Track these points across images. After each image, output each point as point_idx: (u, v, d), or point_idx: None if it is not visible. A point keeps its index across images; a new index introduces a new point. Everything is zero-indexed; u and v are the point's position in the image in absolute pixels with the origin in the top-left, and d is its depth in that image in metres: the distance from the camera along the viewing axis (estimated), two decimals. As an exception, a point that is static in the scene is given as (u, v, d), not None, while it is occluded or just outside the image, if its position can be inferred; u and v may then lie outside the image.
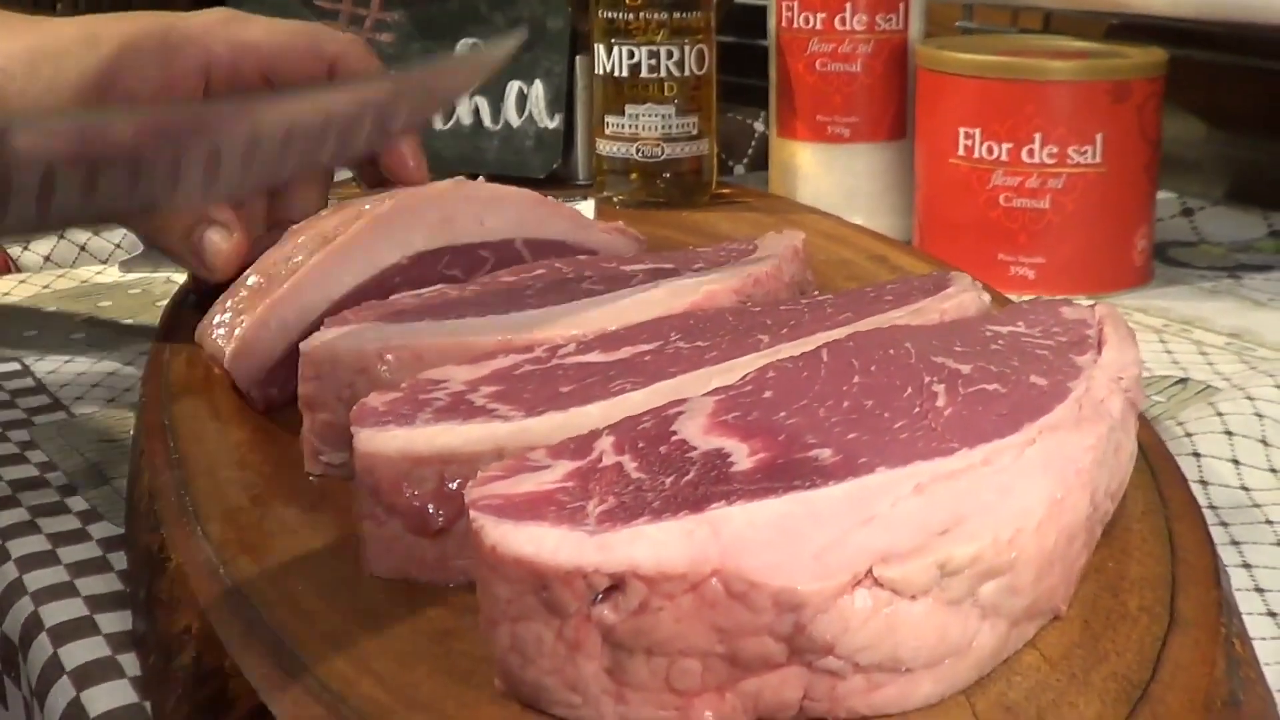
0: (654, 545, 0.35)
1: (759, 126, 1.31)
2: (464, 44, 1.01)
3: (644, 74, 0.93)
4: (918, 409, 0.42)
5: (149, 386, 0.63)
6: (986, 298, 0.53)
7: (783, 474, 0.38)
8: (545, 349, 0.49)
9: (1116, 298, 0.88)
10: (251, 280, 0.57)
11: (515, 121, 1.01)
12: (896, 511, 0.37)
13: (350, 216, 0.58)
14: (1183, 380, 0.73)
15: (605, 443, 0.39)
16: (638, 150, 0.94)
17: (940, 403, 0.42)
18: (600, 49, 0.94)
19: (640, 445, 0.39)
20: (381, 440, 0.44)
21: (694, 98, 0.94)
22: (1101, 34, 1.14)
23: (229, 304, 0.57)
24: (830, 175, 0.98)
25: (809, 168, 0.99)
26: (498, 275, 0.58)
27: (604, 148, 0.95)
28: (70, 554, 0.55)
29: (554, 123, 1.00)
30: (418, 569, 0.44)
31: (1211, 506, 0.58)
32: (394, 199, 0.59)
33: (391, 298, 0.56)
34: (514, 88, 1.01)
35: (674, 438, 0.39)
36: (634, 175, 0.95)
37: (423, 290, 0.56)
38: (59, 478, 0.62)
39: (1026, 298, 0.82)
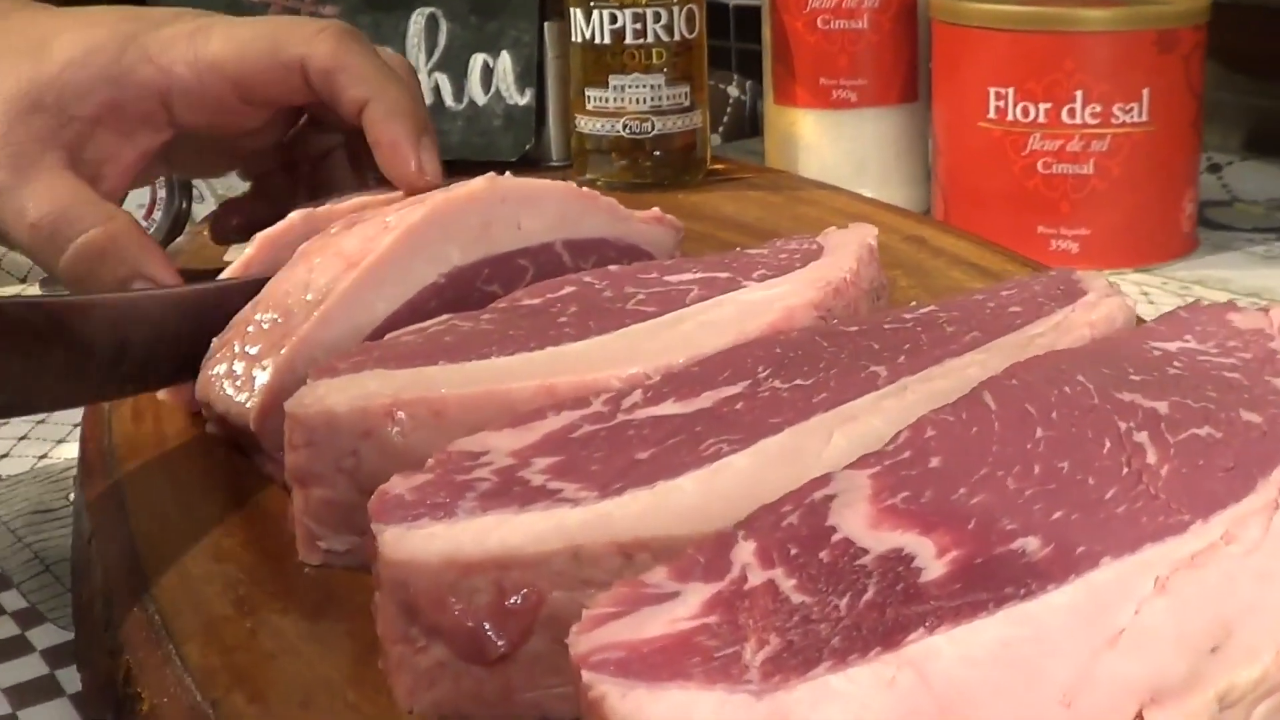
0: (847, 705, 0.25)
1: (733, 91, 1.21)
2: (418, 15, 0.90)
3: (629, 40, 0.82)
4: (1126, 469, 0.32)
5: (89, 447, 0.52)
6: (1131, 303, 0.43)
7: (987, 580, 0.28)
8: (605, 400, 0.38)
9: (1168, 268, 0.80)
10: (263, 315, 0.46)
11: (481, 99, 0.90)
12: (1145, 622, 0.28)
13: (374, 231, 0.47)
14: (1276, 366, 0.64)
15: (745, 552, 0.29)
16: (624, 126, 0.84)
17: (1151, 459, 0.32)
18: (578, 13, 0.83)
19: (793, 552, 0.29)
20: (416, 542, 0.33)
21: (684, 64, 0.84)
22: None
23: (238, 347, 0.46)
24: (837, 144, 0.89)
25: (812, 137, 0.89)
26: (516, 298, 0.47)
27: (585, 124, 0.85)
28: (9, 673, 0.44)
29: (524, 99, 0.89)
30: (473, 706, 0.34)
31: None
32: (424, 205, 0.48)
33: (388, 336, 0.45)
34: (478, 61, 0.89)
35: (834, 537, 0.29)
36: (619, 154, 0.85)
37: (427, 323, 0.46)
38: (-14, 565, 0.51)
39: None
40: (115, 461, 0.50)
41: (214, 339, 0.48)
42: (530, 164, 0.91)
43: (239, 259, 0.55)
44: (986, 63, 0.78)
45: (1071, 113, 0.76)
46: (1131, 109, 0.76)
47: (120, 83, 0.56)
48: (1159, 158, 0.78)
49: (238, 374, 0.45)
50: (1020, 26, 0.77)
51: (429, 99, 0.90)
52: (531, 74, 0.90)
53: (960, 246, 0.71)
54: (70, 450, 0.61)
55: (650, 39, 0.82)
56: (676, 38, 0.83)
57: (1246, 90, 1.01)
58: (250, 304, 0.48)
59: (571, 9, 0.83)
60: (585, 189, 0.54)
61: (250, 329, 0.46)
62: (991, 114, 0.78)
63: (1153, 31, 0.76)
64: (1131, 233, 0.79)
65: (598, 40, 0.82)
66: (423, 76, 0.89)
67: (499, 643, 0.33)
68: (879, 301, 0.51)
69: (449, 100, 0.90)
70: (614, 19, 0.82)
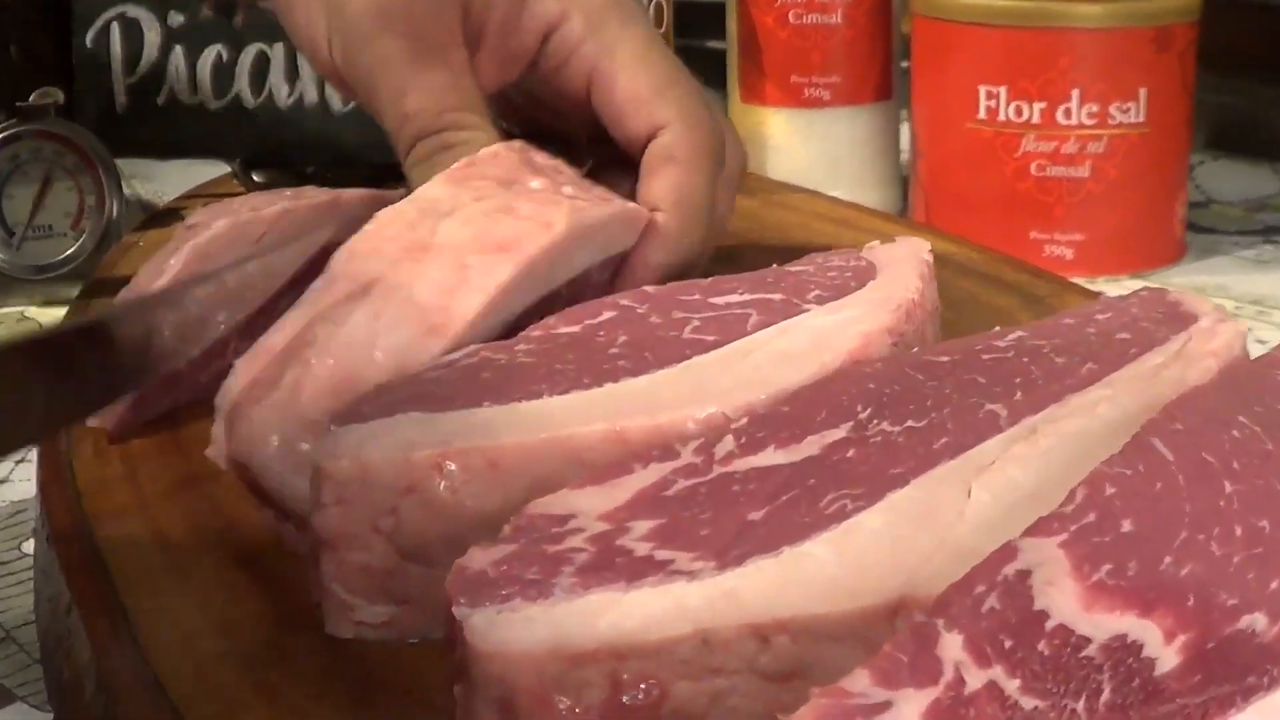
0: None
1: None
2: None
3: (596, 36, 0.77)
4: (1330, 528, 0.28)
5: (51, 494, 0.46)
6: (1243, 327, 0.39)
7: (1225, 668, 0.24)
8: (695, 449, 0.34)
9: (1162, 275, 0.77)
10: (319, 366, 0.39)
11: (430, 99, 0.84)
12: None
13: (449, 278, 0.41)
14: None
15: (953, 647, 0.24)
16: (591, 128, 0.78)
17: (1353, 514, 0.29)
18: (541, 8, 0.78)
19: (1007, 645, 0.24)
20: (512, 629, 0.28)
21: (652, 62, 0.79)
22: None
23: (288, 402, 0.39)
24: (808, 145, 0.84)
25: (782, 137, 0.85)
26: (550, 326, 0.42)
27: (548, 126, 0.79)
28: (-23, 769, 0.38)
29: (476, 98, 0.84)
30: (580, 817, 0.29)
31: None
32: (510, 260, 0.42)
33: (418, 372, 0.40)
34: (427, 58, 0.84)
35: (1048, 623, 0.25)
36: (583, 157, 0.79)
37: (453, 355, 0.40)
38: (-67, 634, 0.45)
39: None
40: (84, 511, 0.44)
41: (239, 361, 0.41)
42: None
43: (167, 275, 0.49)
44: (976, 60, 0.75)
45: (1068, 113, 0.73)
46: (1129, 109, 0.73)
47: (521, 5, 0.51)
48: (1155, 160, 0.75)
49: (292, 444, 0.38)
50: (1014, 22, 0.73)
51: (375, 98, 0.84)
52: (485, 71, 0.84)
53: (962, 254, 0.68)
54: (15, 492, 0.55)
55: (619, 34, 0.77)
56: (646, 33, 0.78)
57: (1211, 88, 0.99)
58: (288, 336, 0.41)
59: (535, 2, 0.78)
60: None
61: (305, 383, 0.40)
62: (982, 114, 0.75)
63: (1151, 29, 0.73)
64: (1127, 238, 0.76)
65: (564, 35, 0.77)
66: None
67: (614, 746, 0.28)
68: (935, 324, 0.46)
69: (397, 99, 0.84)
70: (582, 13, 0.77)
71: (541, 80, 0.54)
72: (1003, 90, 0.74)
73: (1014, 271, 0.65)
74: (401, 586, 0.36)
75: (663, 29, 0.79)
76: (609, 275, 0.49)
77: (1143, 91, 0.73)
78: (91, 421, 0.47)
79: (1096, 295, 0.63)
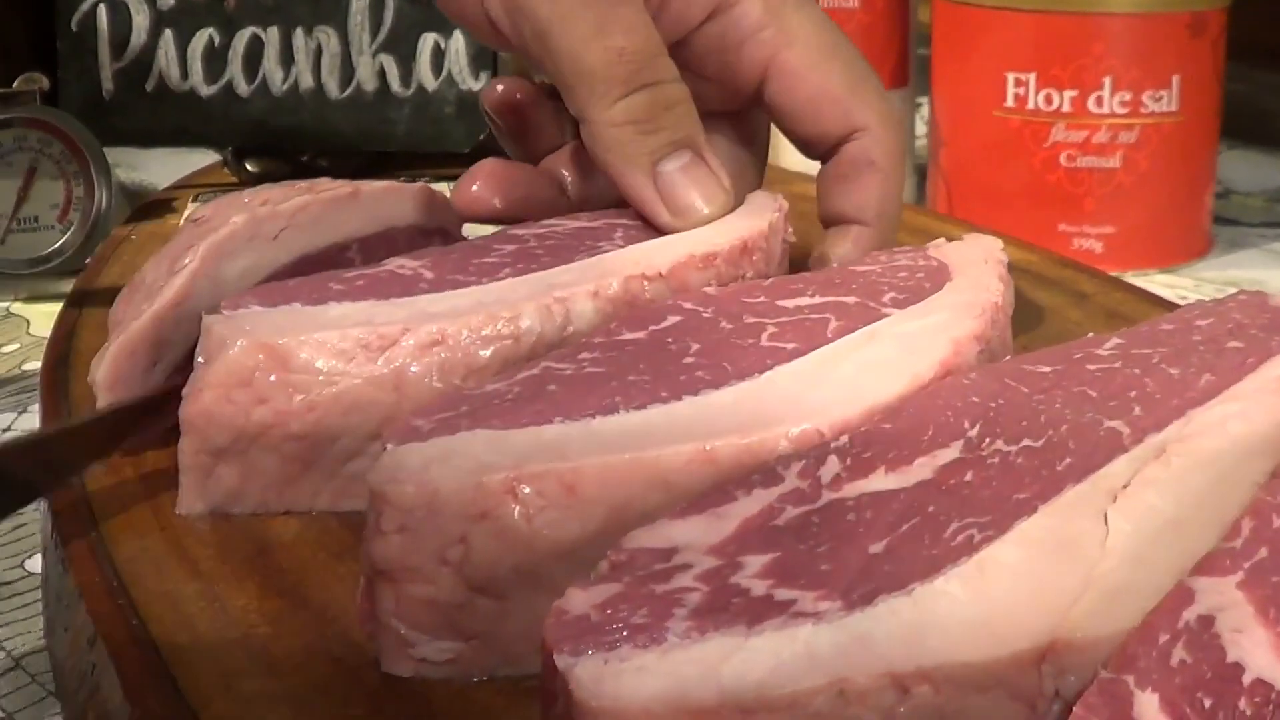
0: None
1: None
2: (362, -11, 0.80)
3: (608, 20, 0.74)
4: None
5: (63, 516, 0.43)
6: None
7: None
8: (800, 472, 0.31)
9: (1193, 269, 0.75)
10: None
11: (431, 84, 0.81)
12: None
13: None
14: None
15: (1149, 707, 0.22)
16: (602, 116, 0.75)
17: None
18: (551, -10, 0.75)
19: (1207, 704, 0.22)
20: (625, 682, 0.25)
21: (665, 47, 0.76)
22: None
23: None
24: (824, 135, 0.81)
25: (796, 127, 0.82)
26: (612, 332, 0.39)
27: (556, 114, 0.76)
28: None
29: (479, 83, 0.81)
30: None
31: None
32: None
33: (483, 386, 0.36)
34: (428, 42, 0.80)
35: (1245, 678, 0.22)
36: (592, 146, 0.76)
37: (515, 371, 0.37)
38: (-63, 666, 0.41)
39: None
40: (98, 529, 0.41)
41: None
42: (485, 154, 0.83)
43: (182, 275, 0.46)
44: (1004, 46, 0.72)
45: (1099, 101, 0.71)
46: (1161, 97, 0.71)
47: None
48: (1186, 149, 0.73)
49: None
50: (1045, 7, 0.71)
51: (372, 85, 0.81)
52: (487, 56, 0.81)
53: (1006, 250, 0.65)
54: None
55: (633, 18, 0.74)
56: (659, 17, 0.75)
57: (1225, 76, 0.97)
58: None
59: (544, -16, 0.75)
60: None
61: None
62: (1010, 102, 0.72)
63: (1185, 14, 0.71)
64: (1157, 231, 0.74)
65: (576, 19, 0.74)
66: (367, 59, 0.80)
67: (742, 811, 0.25)
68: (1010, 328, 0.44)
69: (395, 85, 0.81)
70: (594, -4, 0.74)
71: (696, 57, 0.49)
72: (1032, 77, 0.72)
73: (1054, 267, 0.62)
74: (469, 621, 0.33)
75: (676, 13, 0.76)
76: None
77: (1176, 79, 0.71)
78: None
79: (1142, 291, 0.61)
